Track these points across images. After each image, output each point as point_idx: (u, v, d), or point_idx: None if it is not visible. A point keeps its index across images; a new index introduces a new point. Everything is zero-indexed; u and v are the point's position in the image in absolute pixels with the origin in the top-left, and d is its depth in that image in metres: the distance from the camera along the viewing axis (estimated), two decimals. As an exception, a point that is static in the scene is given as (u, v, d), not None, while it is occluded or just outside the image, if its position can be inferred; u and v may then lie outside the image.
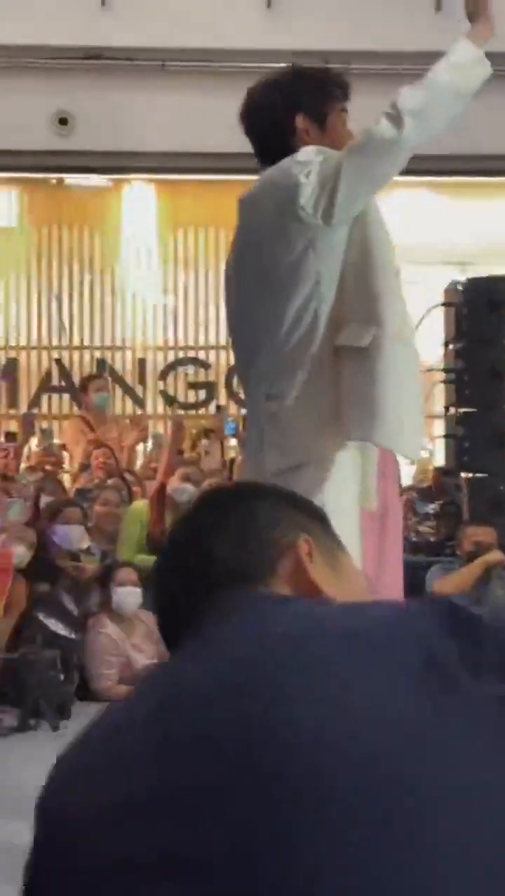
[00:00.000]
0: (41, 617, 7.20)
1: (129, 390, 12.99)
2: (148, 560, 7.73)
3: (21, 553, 7.23)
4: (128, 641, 7.50)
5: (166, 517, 8.04)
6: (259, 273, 3.60)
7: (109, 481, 8.80)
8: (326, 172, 3.44)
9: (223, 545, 1.38)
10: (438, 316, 8.60)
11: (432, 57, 11.74)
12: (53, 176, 13.02)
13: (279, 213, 3.52)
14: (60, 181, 13.09)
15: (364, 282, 3.49)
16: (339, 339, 3.47)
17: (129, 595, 7.43)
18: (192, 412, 12.89)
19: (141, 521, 8.13)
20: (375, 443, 3.45)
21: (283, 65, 11.60)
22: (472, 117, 12.61)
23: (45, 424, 11.68)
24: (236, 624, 1.23)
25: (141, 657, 7.46)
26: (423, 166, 11.64)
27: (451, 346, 8.54)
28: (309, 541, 1.38)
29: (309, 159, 3.49)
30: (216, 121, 12.17)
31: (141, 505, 8.28)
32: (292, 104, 3.69)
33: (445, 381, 8.56)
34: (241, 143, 12.02)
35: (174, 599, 1.39)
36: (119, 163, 12.71)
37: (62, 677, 7.03)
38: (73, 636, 7.30)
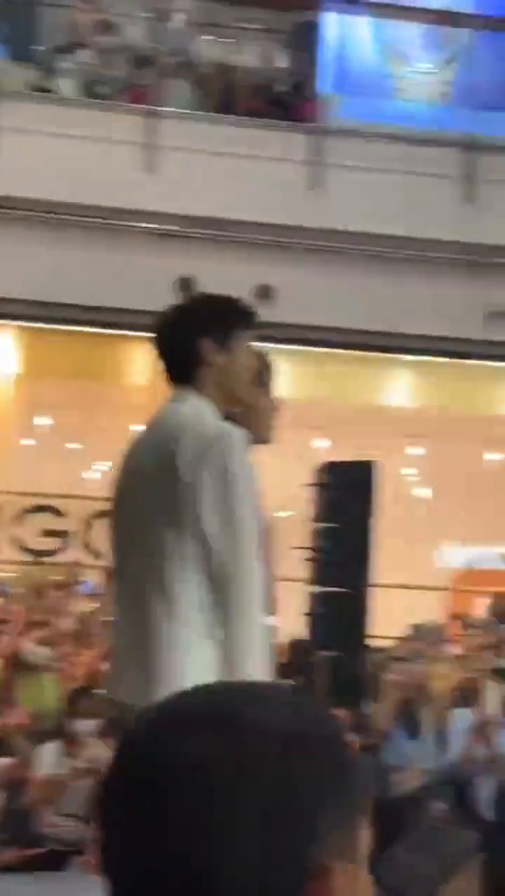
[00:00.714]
0: None
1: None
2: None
3: None
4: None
5: (16, 679, 7.96)
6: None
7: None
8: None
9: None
10: (307, 494, 8.75)
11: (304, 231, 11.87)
12: None
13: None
14: None
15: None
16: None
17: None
18: (46, 559, 12.82)
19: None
20: None
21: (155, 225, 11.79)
22: (344, 294, 12.91)
23: None
24: None
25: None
26: (286, 334, 12.00)
27: (317, 526, 8.68)
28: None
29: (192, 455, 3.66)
30: (84, 274, 12.38)
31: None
32: (198, 329, 3.84)
33: (309, 559, 8.67)
34: (110, 298, 12.24)
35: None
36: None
37: None
38: None
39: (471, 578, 15.48)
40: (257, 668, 3.61)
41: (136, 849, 1.05)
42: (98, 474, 13.43)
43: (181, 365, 3.87)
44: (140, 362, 13.58)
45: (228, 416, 3.86)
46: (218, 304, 3.95)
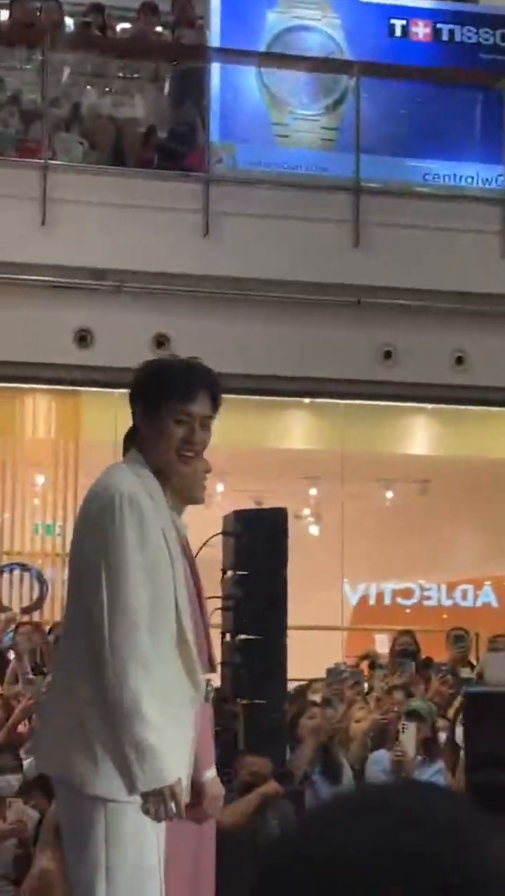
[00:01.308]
0: None
1: None
2: None
3: None
4: None
5: None
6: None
7: None
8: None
9: None
10: (217, 543, 8.85)
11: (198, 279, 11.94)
12: None
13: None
14: None
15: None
16: None
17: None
18: None
19: None
20: None
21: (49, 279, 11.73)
22: (241, 340, 12.91)
23: None
24: None
25: None
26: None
27: (229, 574, 8.77)
28: None
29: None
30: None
31: None
32: (135, 395, 4.00)
33: (223, 608, 8.76)
34: (7, 352, 12.17)
35: None
36: None
37: None
38: None
39: (370, 616, 15.68)
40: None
41: None
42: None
43: (131, 428, 4.02)
44: (42, 416, 13.61)
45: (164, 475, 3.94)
46: (155, 372, 4.03)
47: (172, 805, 3.57)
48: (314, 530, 15.41)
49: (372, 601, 16.00)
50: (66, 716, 3.73)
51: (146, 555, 3.74)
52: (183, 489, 3.97)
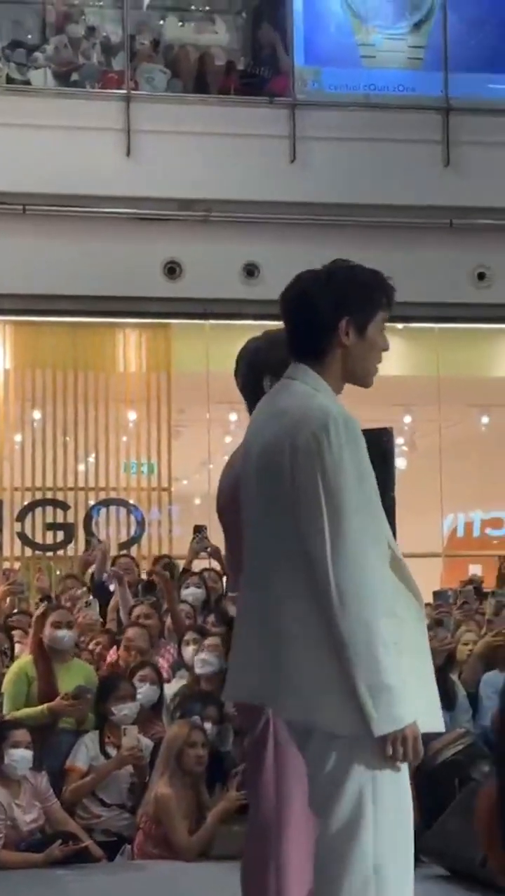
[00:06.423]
0: None
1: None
2: (35, 714, 7.63)
3: None
4: (13, 802, 7.33)
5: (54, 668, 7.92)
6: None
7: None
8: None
9: None
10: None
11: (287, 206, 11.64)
12: None
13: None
14: None
15: None
16: None
17: (22, 758, 7.28)
18: (51, 554, 12.79)
19: (27, 675, 7.98)
20: None
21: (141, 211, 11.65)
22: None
23: None
24: None
25: (25, 818, 7.29)
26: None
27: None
28: None
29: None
30: (73, 265, 12.31)
31: (25, 661, 8.12)
32: (340, 305, 3.63)
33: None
34: (97, 287, 12.10)
35: None
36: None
37: None
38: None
39: (462, 546, 15.53)
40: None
41: None
42: (92, 465, 13.40)
43: (311, 341, 3.64)
44: (132, 350, 13.53)
45: None
46: (363, 284, 3.67)
47: (411, 748, 3.44)
48: (410, 457, 15.23)
49: (461, 532, 15.85)
50: (303, 660, 3.53)
51: (367, 480, 3.55)
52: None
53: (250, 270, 12.68)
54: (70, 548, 12.91)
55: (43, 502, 13.11)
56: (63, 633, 7.99)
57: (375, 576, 3.44)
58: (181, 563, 10.26)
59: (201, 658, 7.99)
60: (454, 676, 8.40)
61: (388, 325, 3.63)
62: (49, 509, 13.09)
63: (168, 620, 8.89)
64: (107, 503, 13.35)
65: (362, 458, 3.48)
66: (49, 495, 13.14)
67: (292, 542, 3.51)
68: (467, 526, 15.89)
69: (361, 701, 3.36)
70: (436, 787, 7.05)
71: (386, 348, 3.66)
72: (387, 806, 3.43)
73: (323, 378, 3.62)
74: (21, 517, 13.02)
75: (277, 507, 3.54)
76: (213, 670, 7.88)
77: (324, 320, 3.62)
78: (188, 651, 8.27)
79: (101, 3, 13.91)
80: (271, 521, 3.57)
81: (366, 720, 3.36)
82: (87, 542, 12.49)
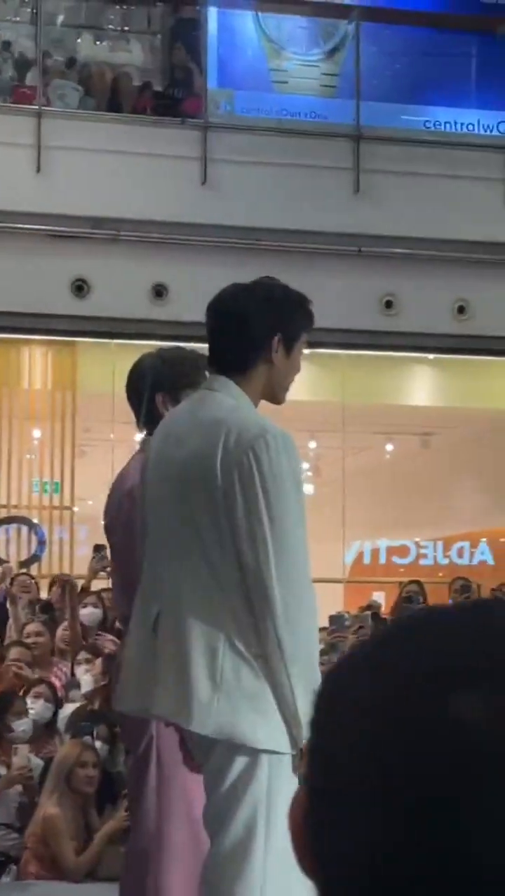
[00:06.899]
0: None
1: None
2: None
3: None
4: None
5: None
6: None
7: None
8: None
9: None
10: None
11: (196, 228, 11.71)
12: None
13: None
14: None
15: None
16: None
17: None
18: None
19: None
20: None
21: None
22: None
23: None
24: None
25: None
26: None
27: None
28: None
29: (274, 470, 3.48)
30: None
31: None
32: (276, 322, 3.68)
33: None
34: (3, 303, 11.95)
35: None
36: None
37: None
38: None
39: (366, 573, 15.57)
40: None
41: None
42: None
43: (239, 354, 3.67)
44: (38, 368, 13.45)
45: None
46: (297, 304, 3.76)
47: None
48: (314, 483, 15.26)
49: (367, 560, 15.91)
50: (221, 672, 3.48)
51: (302, 494, 3.57)
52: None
53: (159, 291, 12.65)
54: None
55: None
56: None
57: (312, 588, 3.47)
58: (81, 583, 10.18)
59: (91, 677, 7.94)
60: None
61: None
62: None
63: (58, 639, 8.83)
64: (9, 521, 13.23)
65: (299, 471, 3.51)
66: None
67: (212, 552, 3.49)
68: (373, 553, 15.95)
69: (299, 711, 3.35)
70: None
71: (299, 370, 3.70)
72: (279, 825, 3.41)
73: (244, 391, 3.62)
74: None
75: (201, 519, 3.52)
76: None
77: (257, 335, 3.66)
78: (80, 670, 8.22)
79: (17, 19, 13.84)
80: (189, 530, 3.55)
81: (295, 730, 3.36)
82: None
